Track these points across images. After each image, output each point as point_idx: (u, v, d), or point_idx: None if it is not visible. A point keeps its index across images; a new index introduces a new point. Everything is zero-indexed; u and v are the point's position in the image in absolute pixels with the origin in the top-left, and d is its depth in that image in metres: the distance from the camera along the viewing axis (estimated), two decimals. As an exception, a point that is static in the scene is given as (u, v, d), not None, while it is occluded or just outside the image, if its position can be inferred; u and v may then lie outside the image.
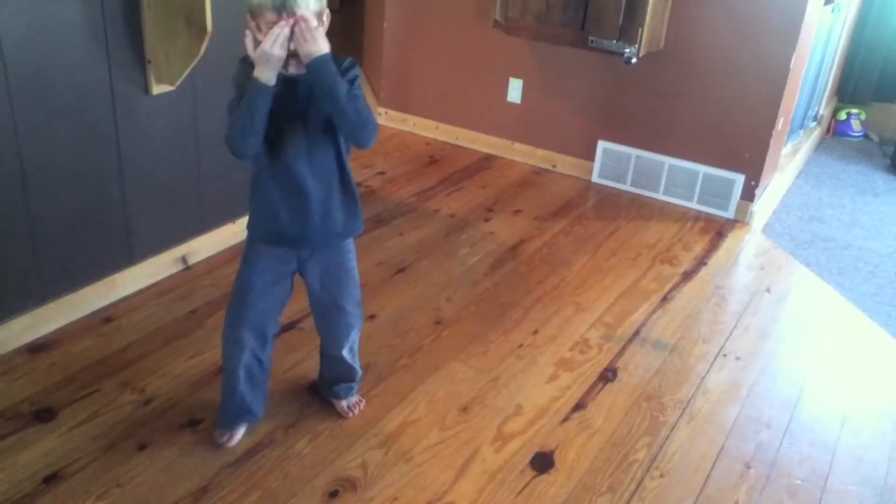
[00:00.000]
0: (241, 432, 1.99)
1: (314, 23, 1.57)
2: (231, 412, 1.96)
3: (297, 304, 2.04)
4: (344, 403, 2.10)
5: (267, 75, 1.58)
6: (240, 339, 1.86)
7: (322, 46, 1.57)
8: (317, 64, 1.57)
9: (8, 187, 2.11)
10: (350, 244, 1.90)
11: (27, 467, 1.85)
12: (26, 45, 2.04)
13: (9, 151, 2.08)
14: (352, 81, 1.64)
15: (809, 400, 2.37)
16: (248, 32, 1.62)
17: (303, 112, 1.68)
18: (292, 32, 1.55)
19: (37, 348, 2.27)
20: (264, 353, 1.92)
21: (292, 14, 1.54)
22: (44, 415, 2.02)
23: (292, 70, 1.63)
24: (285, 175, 1.72)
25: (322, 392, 2.13)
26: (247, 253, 1.85)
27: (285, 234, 1.78)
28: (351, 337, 2.00)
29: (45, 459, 1.88)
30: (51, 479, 1.83)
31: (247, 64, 1.62)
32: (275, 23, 1.55)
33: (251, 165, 1.78)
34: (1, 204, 2.11)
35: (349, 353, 2.03)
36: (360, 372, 2.10)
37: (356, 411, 2.11)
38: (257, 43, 1.59)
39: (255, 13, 1.58)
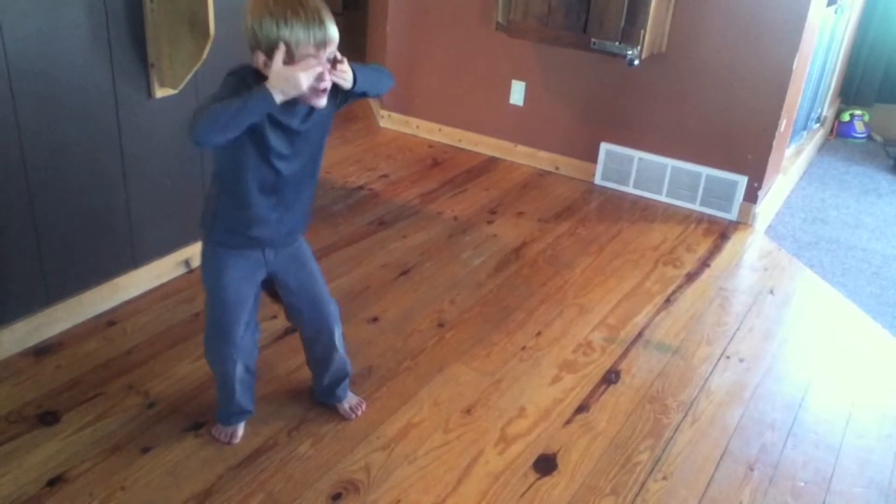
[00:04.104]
0: (241, 429, 2.01)
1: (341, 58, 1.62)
2: (232, 413, 2.00)
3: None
4: (346, 405, 2.11)
5: (278, 95, 1.54)
6: (232, 355, 1.88)
7: (350, 68, 1.63)
8: (357, 82, 1.64)
9: (12, 191, 2.12)
10: (303, 240, 1.94)
11: (31, 470, 1.86)
12: (30, 49, 2.05)
13: (13, 155, 2.09)
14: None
15: (813, 401, 2.37)
16: (279, 51, 1.52)
17: (315, 140, 1.74)
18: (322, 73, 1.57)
19: (41, 351, 2.28)
20: (253, 359, 1.96)
21: (331, 49, 1.56)
22: (48, 418, 2.03)
23: (311, 102, 1.63)
24: (275, 189, 1.73)
25: (322, 400, 2.13)
26: (216, 266, 1.82)
27: (255, 237, 1.79)
28: (339, 323, 2.01)
29: (49, 462, 1.89)
30: (55, 482, 1.83)
31: (243, 75, 1.58)
32: (310, 56, 1.54)
33: (220, 173, 1.75)
34: (5, 207, 2.12)
35: (340, 342, 2.03)
36: (349, 362, 2.10)
37: (359, 413, 2.12)
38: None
39: (286, 43, 1.52)
